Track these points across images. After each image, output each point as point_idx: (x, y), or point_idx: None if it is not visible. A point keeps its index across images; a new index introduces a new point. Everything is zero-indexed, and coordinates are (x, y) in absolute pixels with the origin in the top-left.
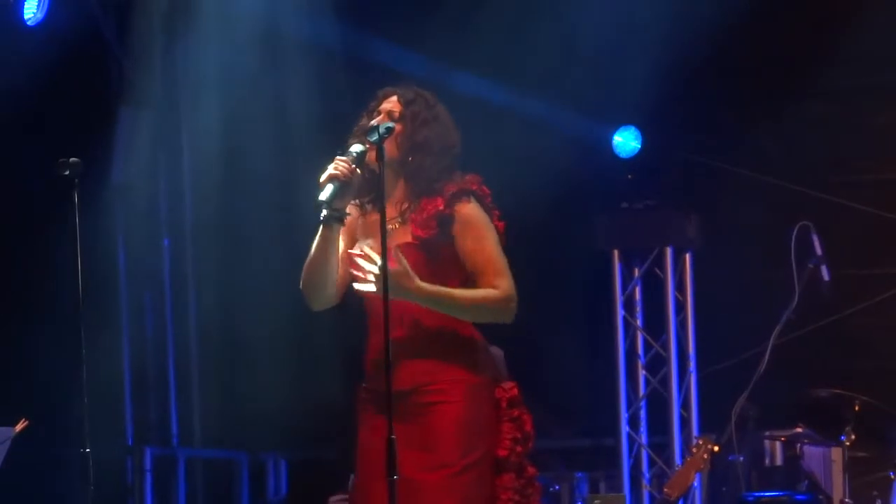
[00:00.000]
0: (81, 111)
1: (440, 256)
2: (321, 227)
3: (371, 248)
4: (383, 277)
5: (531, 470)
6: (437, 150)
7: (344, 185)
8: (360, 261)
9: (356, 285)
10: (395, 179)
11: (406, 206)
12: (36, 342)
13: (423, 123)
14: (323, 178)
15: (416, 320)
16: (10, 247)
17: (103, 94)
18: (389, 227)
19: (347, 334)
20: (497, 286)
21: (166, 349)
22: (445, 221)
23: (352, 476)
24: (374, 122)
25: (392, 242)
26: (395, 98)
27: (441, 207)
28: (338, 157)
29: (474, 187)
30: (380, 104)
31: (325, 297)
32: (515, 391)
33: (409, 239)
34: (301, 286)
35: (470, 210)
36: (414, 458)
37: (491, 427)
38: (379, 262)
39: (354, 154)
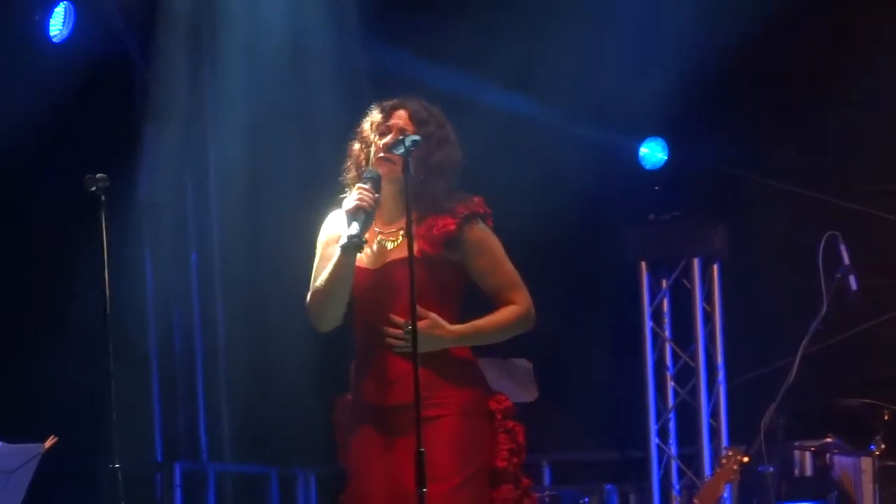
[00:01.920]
0: (107, 127)
1: (441, 273)
2: (339, 254)
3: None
4: (413, 337)
5: (526, 481)
6: (449, 172)
7: (369, 214)
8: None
9: (395, 348)
10: (397, 194)
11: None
12: (64, 358)
13: (437, 145)
14: (349, 207)
15: None
16: (37, 263)
17: (129, 111)
18: (392, 239)
19: None
20: (515, 301)
21: (195, 364)
22: (455, 243)
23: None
24: (386, 140)
25: (393, 256)
26: (404, 114)
27: (452, 229)
28: (360, 187)
29: (482, 210)
30: (388, 119)
31: (336, 320)
32: (509, 403)
33: (414, 254)
34: (311, 310)
35: (480, 232)
36: (412, 472)
37: (487, 439)
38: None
39: (374, 179)
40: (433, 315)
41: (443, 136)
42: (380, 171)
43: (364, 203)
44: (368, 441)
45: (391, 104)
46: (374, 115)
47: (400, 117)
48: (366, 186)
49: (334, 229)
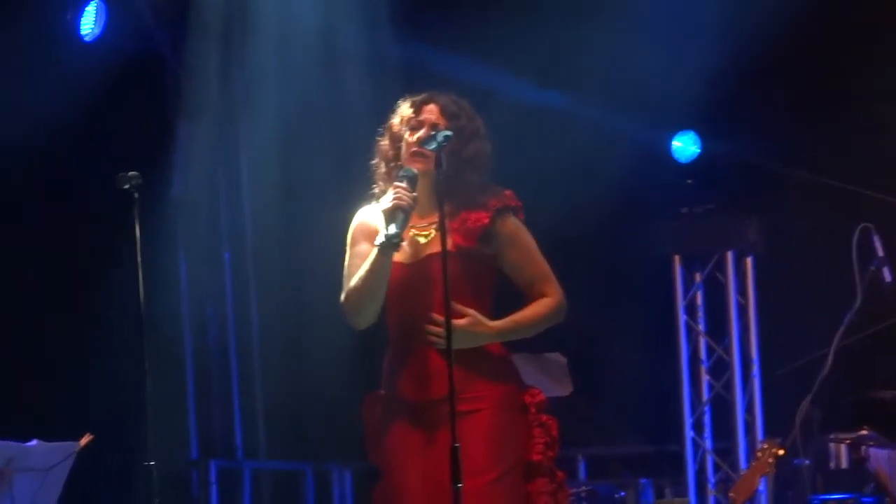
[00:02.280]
0: (139, 125)
1: (475, 266)
2: (376, 253)
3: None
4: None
5: (560, 474)
6: (482, 165)
7: (407, 213)
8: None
9: (436, 345)
10: (430, 189)
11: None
12: (99, 356)
13: (469, 138)
14: (386, 207)
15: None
16: (71, 261)
17: (161, 108)
18: (426, 233)
19: None
20: (548, 293)
21: (229, 361)
22: (489, 236)
23: (376, 487)
24: (419, 135)
25: (427, 250)
26: (434, 108)
27: (486, 222)
28: (397, 185)
29: (514, 203)
30: (418, 114)
31: (373, 317)
32: (543, 397)
33: (448, 247)
34: (347, 308)
35: (513, 225)
36: (448, 467)
37: (522, 433)
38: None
39: (410, 177)
40: (473, 312)
41: (473, 130)
42: (414, 168)
43: (402, 202)
44: (404, 437)
45: (420, 99)
46: (404, 111)
47: (430, 112)
48: (403, 185)
49: (365, 226)
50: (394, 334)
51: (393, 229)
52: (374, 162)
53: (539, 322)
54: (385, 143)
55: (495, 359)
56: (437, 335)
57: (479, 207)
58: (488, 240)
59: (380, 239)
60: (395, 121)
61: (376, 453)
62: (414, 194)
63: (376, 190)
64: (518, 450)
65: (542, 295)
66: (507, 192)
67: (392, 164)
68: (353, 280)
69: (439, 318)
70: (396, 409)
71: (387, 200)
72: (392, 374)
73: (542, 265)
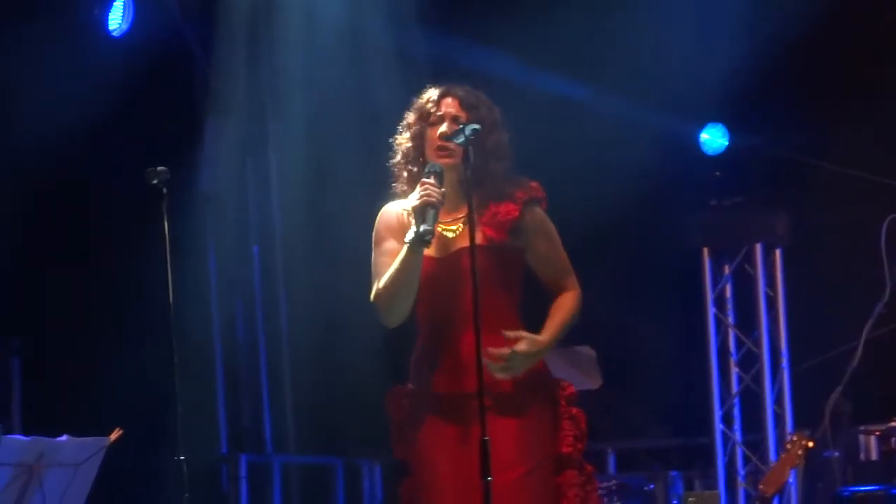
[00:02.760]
0: (167, 120)
1: (506, 259)
2: (407, 249)
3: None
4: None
5: (589, 467)
6: (504, 155)
7: (437, 209)
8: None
9: (497, 374)
10: (455, 183)
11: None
12: (128, 351)
13: (490, 129)
14: (416, 204)
15: (469, 326)
16: (100, 257)
17: (189, 103)
18: (454, 227)
19: None
20: (570, 286)
21: (258, 356)
22: (518, 228)
23: (404, 482)
24: (442, 130)
25: (457, 244)
26: (453, 101)
27: (516, 215)
28: (425, 181)
29: (540, 195)
30: (437, 108)
31: (405, 314)
32: (572, 389)
33: (478, 241)
34: (379, 306)
35: (539, 216)
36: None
37: (552, 426)
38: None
39: (437, 173)
40: (526, 334)
41: (493, 120)
42: (440, 163)
43: (432, 198)
44: (435, 431)
45: (438, 93)
46: (421, 106)
47: (450, 105)
48: (430, 181)
49: (390, 223)
50: (424, 329)
51: (425, 226)
52: (394, 160)
53: (573, 319)
54: (404, 140)
55: None
56: (493, 362)
57: (506, 199)
58: (518, 232)
59: (410, 236)
60: (414, 117)
61: (403, 448)
62: (442, 189)
63: (398, 188)
64: (548, 443)
65: (564, 288)
66: (533, 184)
67: (414, 161)
68: (384, 278)
69: (496, 351)
70: (427, 404)
71: (415, 197)
72: (423, 369)
73: (565, 258)
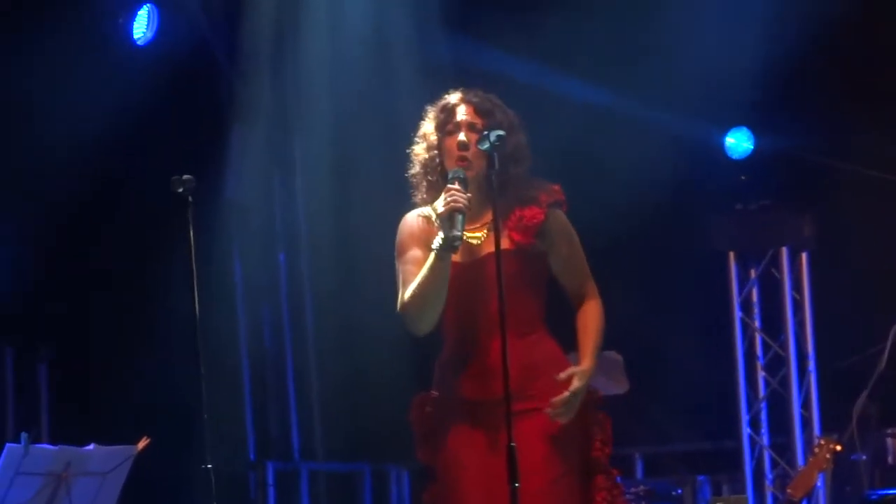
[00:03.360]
0: (193, 128)
1: (534, 263)
2: (435, 256)
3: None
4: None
5: (615, 471)
6: (524, 157)
7: (464, 214)
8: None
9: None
10: (477, 190)
11: (493, 215)
12: (155, 359)
13: (508, 132)
14: (443, 210)
15: (498, 331)
16: (126, 265)
17: (214, 112)
18: (479, 234)
19: None
20: (590, 293)
21: (285, 363)
22: (544, 232)
23: (428, 488)
24: (460, 139)
25: (484, 249)
26: (467, 109)
27: (542, 218)
28: (451, 187)
29: (562, 198)
30: (452, 116)
31: (434, 322)
32: (599, 394)
33: (506, 245)
34: (408, 315)
35: (562, 219)
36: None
37: (580, 430)
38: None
39: (462, 179)
40: (575, 369)
41: (510, 123)
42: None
43: (459, 203)
44: (463, 437)
45: (452, 102)
46: (436, 115)
47: (465, 113)
48: (456, 187)
49: (414, 232)
50: (452, 335)
51: (455, 231)
52: (413, 171)
53: (603, 333)
54: (421, 151)
55: (553, 358)
56: (556, 409)
57: (530, 203)
58: (542, 235)
59: (437, 242)
60: (429, 128)
61: (429, 454)
62: (468, 195)
63: (418, 198)
64: (577, 447)
65: (584, 295)
66: (555, 187)
67: (433, 172)
68: (412, 286)
69: (557, 400)
70: (454, 409)
71: (440, 204)
72: (450, 374)
73: (585, 262)
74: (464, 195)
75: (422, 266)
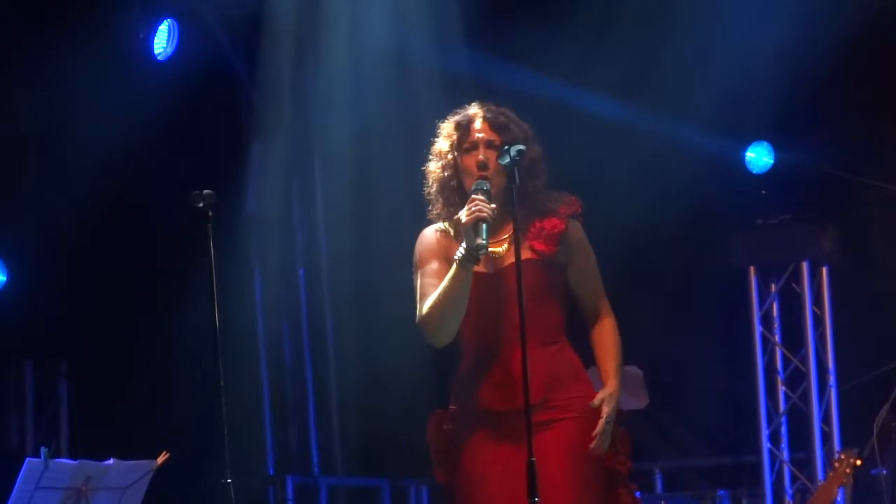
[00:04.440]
0: (213, 143)
1: (556, 273)
2: (458, 267)
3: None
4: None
5: (633, 486)
6: (541, 169)
7: (489, 224)
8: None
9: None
10: (499, 204)
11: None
12: (175, 374)
13: (525, 146)
14: (467, 220)
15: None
16: (146, 280)
17: (234, 127)
18: (500, 248)
19: None
20: (603, 310)
21: (305, 378)
22: (564, 243)
23: None
24: (479, 158)
25: (507, 261)
26: (482, 125)
27: (563, 228)
28: (475, 198)
29: (580, 209)
30: (468, 134)
31: (453, 333)
32: (620, 409)
33: (528, 255)
34: (429, 326)
35: (580, 232)
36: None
37: None
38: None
39: (485, 190)
40: (602, 394)
41: (526, 136)
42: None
43: (484, 213)
44: (485, 450)
45: (466, 118)
46: (451, 133)
47: (481, 130)
48: (480, 197)
49: (432, 245)
50: (473, 346)
51: (480, 240)
52: (430, 189)
53: (621, 352)
54: (436, 169)
55: (574, 368)
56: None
57: (550, 214)
58: (563, 247)
59: (460, 253)
60: (444, 146)
61: (448, 471)
62: (492, 205)
63: (433, 215)
64: (599, 460)
65: (599, 311)
66: (573, 199)
67: (450, 190)
68: (432, 297)
69: (596, 432)
70: (474, 422)
71: (464, 214)
72: (471, 386)
73: (600, 277)
74: (488, 205)
75: (441, 279)
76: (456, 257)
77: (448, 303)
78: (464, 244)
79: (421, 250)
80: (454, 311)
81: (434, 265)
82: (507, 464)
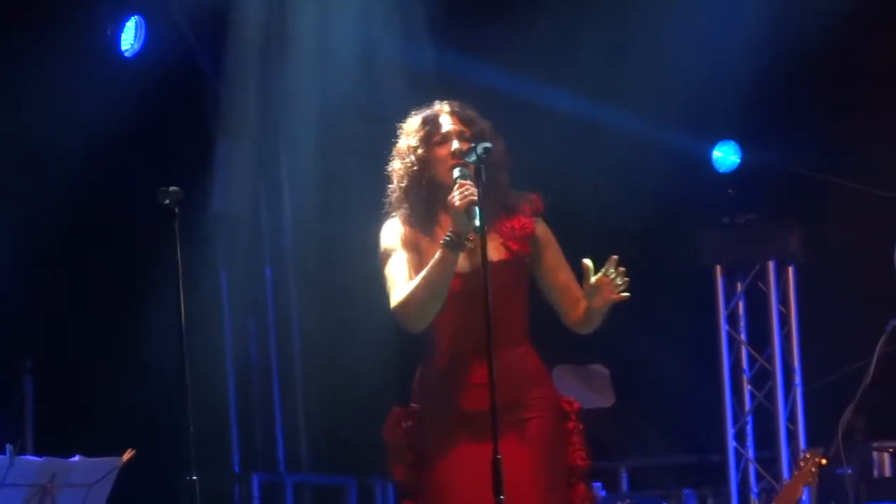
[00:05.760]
0: (180, 141)
1: (523, 274)
2: (445, 252)
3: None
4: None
5: (590, 483)
6: (505, 164)
7: (478, 207)
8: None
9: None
10: None
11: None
12: (140, 371)
13: (489, 140)
14: (460, 203)
15: (496, 342)
16: (112, 277)
17: (201, 124)
18: (472, 242)
19: None
20: (580, 294)
21: (271, 376)
22: (533, 241)
23: None
24: (455, 147)
25: (477, 261)
26: (450, 118)
27: (532, 227)
28: (463, 182)
29: (542, 207)
30: (436, 128)
31: (431, 318)
32: (578, 405)
33: (501, 255)
34: (408, 312)
35: (546, 228)
36: (507, 477)
37: (563, 440)
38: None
39: (469, 176)
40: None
41: (490, 131)
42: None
43: (474, 196)
44: (454, 450)
45: (431, 114)
46: (418, 129)
47: (450, 123)
48: (468, 181)
49: (399, 233)
50: (446, 345)
51: (476, 222)
52: (397, 187)
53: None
54: (404, 166)
55: (540, 369)
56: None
57: (516, 213)
58: (533, 246)
59: (448, 237)
60: (412, 142)
61: (408, 471)
62: (479, 189)
63: (399, 215)
64: (562, 458)
65: (578, 293)
66: (535, 196)
67: (420, 185)
68: (414, 283)
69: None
70: (445, 422)
71: (457, 198)
72: (443, 385)
73: (570, 268)
74: (475, 189)
75: (412, 267)
76: (443, 243)
77: (431, 288)
78: (451, 230)
79: (388, 239)
80: (436, 297)
81: (404, 253)
82: (475, 462)
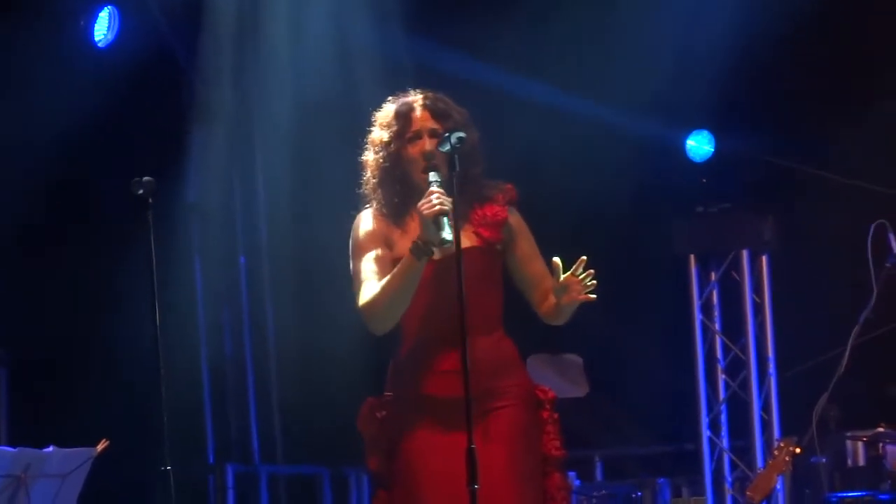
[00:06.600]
0: (154, 130)
1: (495, 262)
2: (411, 259)
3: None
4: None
5: (564, 471)
6: (479, 155)
7: (448, 217)
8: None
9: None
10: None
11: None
12: (114, 362)
13: (464, 131)
14: (429, 212)
15: (468, 328)
16: (86, 267)
17: (175, 114)
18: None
19: None
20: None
21: (245, 366)
22: (507, 229)
23: (378, 493)
24: (427, 149)
25: (453, 249)
26: (423, 113)
27: (505, 215)
28: (434, 190)
29: (516, 196)
30: (410, 123)
31: (396, 321)
32: (553, 394)
33: (472, 242)
34: (373, 314)
35: (519, 217)
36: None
37: (538, 430)
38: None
39: (441, 181)
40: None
41: (464, 121)
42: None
43: (445, 206)
44: (426, 438)
45: (406, 106)
46: (391, 123)
47: (423, 119)
48: (439, 190)
49: (370, 229)
50: (417, 332)
51: (444, 234)
52: (370, 180)
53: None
54: (377, 159)
55: (514, 356)
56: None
57: (489, 202)
58: (505, 234)
59: (416, 244)
60: (384, 135)
61: (381, 459)
62: (451, 198)
63: (373, 207)
64: (536, 447)
65: (549, 290)
66: (508, 186)
67: (392, 180)
68: (379, 286)
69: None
70: (416, 409)
71: (425, 207)
72: (413, 373)
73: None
74: (447, 198)
75: (382, 264)
76: (411, 249)
77: (395, 293)
78: (419, 237)
79: (360, 234)
80: (401, 302)
81: (374, 250)
82: (448, 450)
